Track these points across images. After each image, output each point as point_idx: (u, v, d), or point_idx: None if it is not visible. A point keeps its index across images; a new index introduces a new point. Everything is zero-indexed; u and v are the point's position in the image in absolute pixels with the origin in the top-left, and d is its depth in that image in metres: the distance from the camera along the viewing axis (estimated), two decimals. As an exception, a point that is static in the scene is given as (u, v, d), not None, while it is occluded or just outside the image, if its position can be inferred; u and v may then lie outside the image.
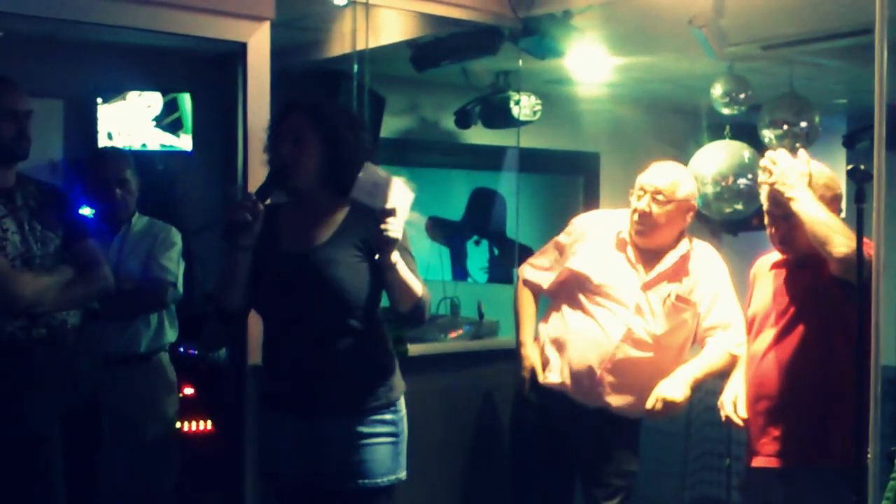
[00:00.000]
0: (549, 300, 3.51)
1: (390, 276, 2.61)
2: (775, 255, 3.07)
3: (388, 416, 2.74)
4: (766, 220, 2.99)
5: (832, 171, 2.97)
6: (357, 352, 2.71)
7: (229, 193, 4.46)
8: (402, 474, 2.78)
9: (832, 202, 2.88)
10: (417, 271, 2.71)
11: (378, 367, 2.76)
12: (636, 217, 3.28)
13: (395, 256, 2.57)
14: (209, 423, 4.19)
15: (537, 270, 3.51)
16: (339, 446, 2.70)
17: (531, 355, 3.41)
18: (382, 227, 2.49)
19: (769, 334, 2.95)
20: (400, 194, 2.51)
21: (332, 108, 2.83)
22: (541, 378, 3.36)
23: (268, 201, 2.71)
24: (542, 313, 3.52)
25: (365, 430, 2.70)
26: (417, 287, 2.66)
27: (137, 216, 3.67)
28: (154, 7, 3.36)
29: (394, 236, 2.50)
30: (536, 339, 3.46)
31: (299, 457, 2.74)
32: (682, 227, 3.32)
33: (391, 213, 2.49)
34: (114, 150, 4.72)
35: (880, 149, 2.21)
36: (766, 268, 3.07)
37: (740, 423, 3.02)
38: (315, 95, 3.10)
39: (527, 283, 3.53)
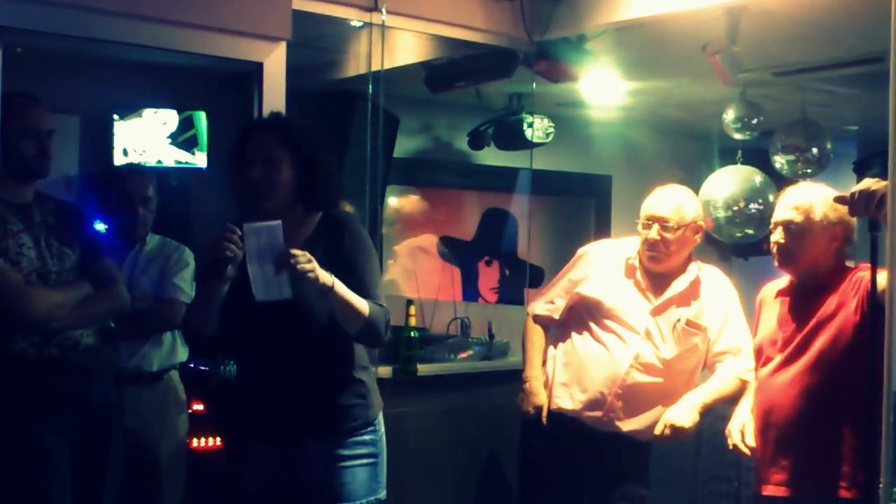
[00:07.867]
0: (558, 328, 3.51)
1: (328, 300, 2.54)
2: (780, 283, 3.06)
3: (366, 437, 2.70)
4: (772, 238, 2.95)
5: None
6: (328, 372, 2.66)
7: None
8: (383, 494, 2.75)
9: (838, 225, 2.88)
10: (375, 288, 2.65)
11: (352, 387, 2.70)
12: (647, 246, 3.28)
13: (328, 281, 2.50)
14: (218, 439, 4.18)
15: (547, 304, 3.49)
16: (318, 470, 2.66)
17: (539, 392, 3.37)
18: (298, 268, 2.45)
19: (776, 362, 2.94)
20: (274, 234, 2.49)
21: (298, 125, 2.76)
22: (544, 418, 3.34)
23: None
24: (551, 339, 3.51)
25: (344, 452, 2.67)
26: (363, 308, 2.58)
27: (150, 235, 3.68)
28: (172, 26, 3.39)
29: (305, 271, 2.45)
30: (545, 364, 3.45)
31: (279, 483, 2.70)
32: (693, 246, 3.33)
33: (290, 254, 2.45)
34: (138, 166, 4.73)
35: (893, 176, 2.20)
36: (772, 295, 3.06)
37: (748, 451, 2.99)
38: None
39: (537, 318, 3.51)
